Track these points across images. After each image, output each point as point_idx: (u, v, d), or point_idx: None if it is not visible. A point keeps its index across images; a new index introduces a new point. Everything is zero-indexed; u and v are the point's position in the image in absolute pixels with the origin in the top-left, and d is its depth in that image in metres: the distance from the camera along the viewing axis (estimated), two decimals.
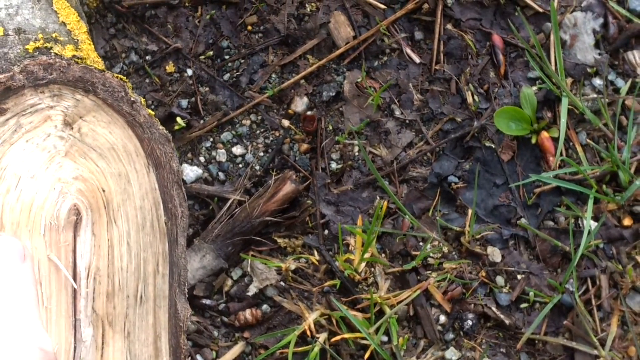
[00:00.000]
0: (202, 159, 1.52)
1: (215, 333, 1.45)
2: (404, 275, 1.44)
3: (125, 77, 1.14)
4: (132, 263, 1.09)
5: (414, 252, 1.45)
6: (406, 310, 1.43)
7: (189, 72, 1.55)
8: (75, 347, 1.03)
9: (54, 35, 1.11)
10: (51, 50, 1.09)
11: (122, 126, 1.10)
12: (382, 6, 1.54)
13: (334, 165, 1.51)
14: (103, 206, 1.06)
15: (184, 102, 1.54)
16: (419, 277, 1.44)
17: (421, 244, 1.47)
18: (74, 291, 1.03)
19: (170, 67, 1.56)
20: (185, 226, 1.18)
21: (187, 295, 1.18)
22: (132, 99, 1.11)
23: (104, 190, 1.06)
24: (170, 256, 1.16)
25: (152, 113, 1.14)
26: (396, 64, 1.54)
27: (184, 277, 1.18)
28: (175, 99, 1.54)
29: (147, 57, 1.56)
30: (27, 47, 1.08)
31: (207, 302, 1.46)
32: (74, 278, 1.03)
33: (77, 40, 1.14)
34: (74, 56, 1.10)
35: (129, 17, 1.57)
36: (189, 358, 1.32)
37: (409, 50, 1.54)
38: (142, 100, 1.13)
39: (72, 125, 1.07)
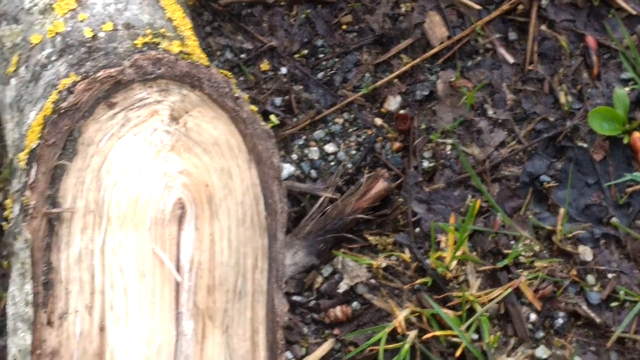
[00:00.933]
0: (294, 156, 1.51)
1: (305, 330, 1.44)
2: (495, 274, 1.41)
3: (229, 73, 1.13)
4: (232, 258, 1.08)
5: (505, 251, 1.42)
6: (497, 308, 1.40)
7: (283, 70, 1.54)
8: (177, 340, 1.02)
9: (161, 30, 1.10)
10: (159, 46, 1.08)
11: (225, 122, 1.09)
12: (477, 7, 1.52)
13: (425, 164, 1.48)
14: (206, 201, 1.04)
15: (278, 100, 1.53)
16: (510, 276, 1.41)
17: (512, 242, 1.44)
18: (177, 285, 1.02)
19: (264, 65, 1.55)
20: (284, 222, 1.16)
21: (284, 291, 1.16)
22: (236, 95, 1.10)
23: (207, 185, 1.05)
24: (269, 251, 1.15)
25: (255, 109, 1.13)
26: (490, 64, 1.51)
27: (282, 273, 1.16)
28: (269, 96, 1.53)
29: (242, 55, 1.55)
30: (135, 42, 1.07)
31: (298, 298, 1.44)
32: (178, 271, 1.02)
33: (183, 36, 1.13)
34: (181, 52, 1.09)
35: (225, 15, 1.56)
36: (284, 353, 1.30)
37: (502, 51, 1.51)
38: (246, 96, 1.12)
39: (178, 120, 1.06)
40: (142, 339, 0.99)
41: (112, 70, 1.02)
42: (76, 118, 1.01)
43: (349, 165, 1.50)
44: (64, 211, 0.99)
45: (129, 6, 1.12)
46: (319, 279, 1.45)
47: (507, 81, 1.50)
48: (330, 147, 1.51)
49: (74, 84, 1.02)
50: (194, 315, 1.03)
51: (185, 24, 1.16)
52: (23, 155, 1.02)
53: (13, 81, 1.13)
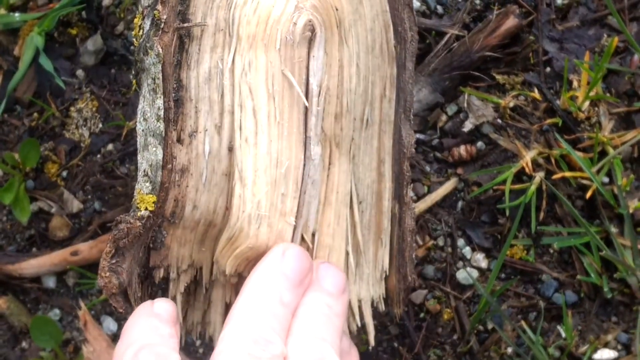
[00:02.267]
0: None
1: (428, 168, 1.41)
2: (629, 116, 1.35)
3: None
4: (360, 85, 1.05)
5: None
6: (630, 151, 1.34)
7: None
8: (304, 164, 1.00)
9: None
10: None
11: None
12: None
13: (559, 1, 1.41)
14: (335, 25, 1.01)
15: None
16: None
17: None
18: (305, 109, 1.00)
19: None
20: (414, 51, 1.12)
21: (412, 122, 1.13)
22: None
23: (337, 9, 1.01)
24: (398, 81, 1.11)
25: None
26: None
27: (410, 103, 1.12)
28: None
29: None
30: None
31: (421, 136, 1.41)
32: (306, 96, 0.99)
33: None
34: None
35: None
36: (411, 185, 1.27)
37: None
38: None
39: None
40: (271, 160, 0.97)
41: None
42: None
43: (477, 1, 1.43)
44: (195, 26, 0.96)
45: None
46: (443, 117, 1.41)
47: None
48: None
49: None
50: (321, 140, 1.01)
51: None
52: None
53: None
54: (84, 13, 1.53)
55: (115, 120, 1.48)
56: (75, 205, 1.48)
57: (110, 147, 1.49)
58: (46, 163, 1.50)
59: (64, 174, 1.50)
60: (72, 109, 1.51)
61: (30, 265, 1.46)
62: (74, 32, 1.53)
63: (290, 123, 0.99)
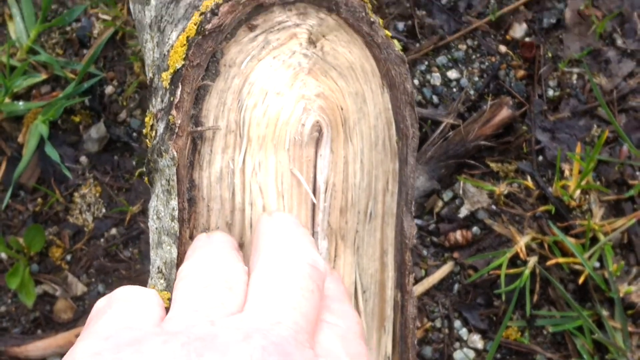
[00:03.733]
0: (416, 81, 1.49)
1: (425, 252, 1.43)
2: (619, 204, 1.38)
3: None
4: (364, 180, 1.08)
5: (630, 181, 1.39)
6: (620, 238, 1.37)
7: None
8: None
9: None
10: None
11: (360, 46, 1.08)
12: None
13: (551, 93, 1.45)
14: (341, 124, 1.04)
15: (401, 25, 1.51)
16: (634, 206, 1.38)
17: (638, 173, 1.40)
18: (313, 205, 1.02)
19: None
20: (415, 146, 1.15)
21: (413, 214, 1.15)
22: (371, 19, 1.08)
23: (342, 108, 1.04)
24: (400, 175, 1.14)
25: (389, 34, 1.11)
26: None
27: (411, 196, 1.15)
28: (392, 21, 1.51)
29: None
30: None
31: (418, 222, 1.44)
32: (313, 192, 1.02)
33: None
34: None
35: None
36: (413, 274, 1.30)
37: None
38: (381, 21, 1.10)
39: (315, 43, 1.04)
40: None
41: None
42: (219, 40, 1.01)
43: (472, 92, 1.47)
44: (209, 129, 0.99)
45: None
46: (440, 203, 1.44)
47: (638, 10, 1.45)
48: (452, 74, 1.48)
49: (217, 5, 1.01)
50: (327, 235, 1.03)
51: None
52: (166, 75, 1.02)
53: (153, 2, 1.14)
54: (87, 101, 1.56)
55: (119, 206, 1.51)
56: (79, 288, 1.49)
57: (113, 231, 1.51)
58: (50, 247, 1.52)
59: (68, 257, 1.51)
60: (75, 194, 1.53)
61: (36, 348, 1.47)
62: (77, 119, 1.55)
63: (298, 219, 1.01)
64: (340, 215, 1.05)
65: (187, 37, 1.02)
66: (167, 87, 1.02)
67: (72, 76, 1.54)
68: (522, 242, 1.37)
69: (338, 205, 1.05)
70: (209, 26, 1.01)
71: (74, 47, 1.57)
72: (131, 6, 1.26)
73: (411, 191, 1.15)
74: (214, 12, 1.01)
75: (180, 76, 0.99)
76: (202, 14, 1.03)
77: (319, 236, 1.03)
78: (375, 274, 1.14)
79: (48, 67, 1.57)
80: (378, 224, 1.13)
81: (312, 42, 1.04)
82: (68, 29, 1.59)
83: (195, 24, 1.03)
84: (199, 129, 0.99)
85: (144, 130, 1.06)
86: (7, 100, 1.54)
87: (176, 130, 0.97)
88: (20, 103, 1.54)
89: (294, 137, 1.01)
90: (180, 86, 0.99)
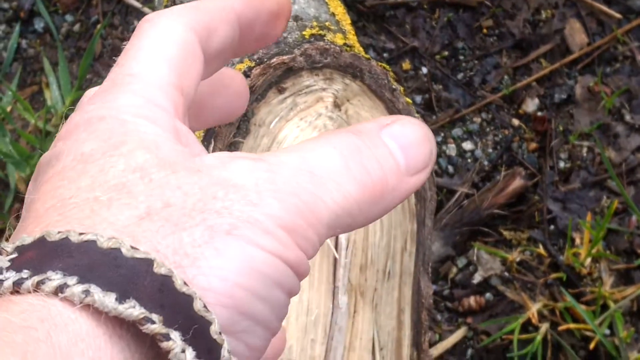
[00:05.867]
0: None
1: (439, 317, 1.45)
2: (628, 272, 1.41)
3: (387, 67, 1.15)
4: (383, 239, 1.10)
5: (639, 251, 1.41)
6: (630, 305, 1.39)
7: (424, 70, 1.56)
8: (332, 312, 1.05)
9: (326, 24, 1.13)
10: (324, 37, 1.11)
11: (382, 111, 1.12)
12: (618, 15, 1.51)
13: (562, 164, 1.48)
14: None
15: (418, 98, 1.55)
16: None
17: None
18: (335, 260, 1.05)
19: (406, 65, 1.57)
20: (432, 209, 1.18)
21: (430, 274, 1.18)
22: (393, 86, 1.12)
23: None
24: (418, 236, 1.17)
25: (410, 102, 1.15)
26: (628, 71, 1.50)
27: (428, 257, 1.18)
28: (410, 94, 1.55)
29: (385, 54, 1.58)
30: (303, 33, 1.11)
31: (433, 286, 1.46)
32: (335, 248, 1.05)
33: (345, 30, 1.16)
34: (344, 44, 1.12)
35: (370, 16, 1.59)
36: (428, 334, 1.32)
37: None
38: (402, 89, 1.14)
39: (340, 107, 1.08)
40: (302, 308, 1.02)
41: (285, 57, 1.05)
42: (250, 100, 1.05)
43: (486, 163, 1.51)
44: None
45: (297, 0, 1.15)
46: (454, 269, 1.46)
47: None
48: (467, 145, 1.52)
49: (250, 68, 1.06)
50: (348, 290, 1.06)
51: (345, 19, 1.19)
52: (199, 133, 1.06)
53: None
54: None
55: None
56: None
57: None
58: None
59: None
60: None
61: None
62: None
63: (320, 274, 1.04)
64: (360, 272, 1.08)
65: None
66: (201, 142, 1.05)
67: None
68: (534, 308, 1.39)
69: (358, 262, 1.07)
70: None
71: None
72: None
73: (428, 252, 1.18)
74: (246, 74, 1.06)
75: (214, 133, 1.03)
76: None
77: (340, 291, 1.05)
78: (392, 332, 1.15)
79: None
80: (396, 283, 1.16)
81: (337, 105, 1.08)
82: None
83: None
84: None
85: None
86: None
87: None
88: None
89: None
90: (213, 142, 1.02)
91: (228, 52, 0.52)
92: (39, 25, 1.67)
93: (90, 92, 0.47)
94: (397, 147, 0.46)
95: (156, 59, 0.46)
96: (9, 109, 1.62)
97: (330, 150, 0.44)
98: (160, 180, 0.41)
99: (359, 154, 0.44)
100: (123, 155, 0.41)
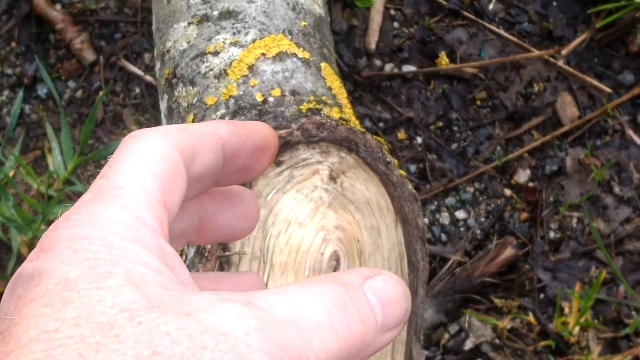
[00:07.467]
0: (426, 220, 1.54)
1: None
2: (615, 341, 1.42)
3: (382, 140, 1.18)
4: None
5: (626, 320, 1.43)
6: None
7: (419, 140, 1.59)
8: None
9: (323, 98, 1.16)
10: (321, 111, 1.14)
11: (376, 184, 1.14)
12: (608, 90, 1.54)
13: (552, 235, 1.50)
14: (357, 254, 1.09)
15: (413, 167, 1.57)
16: (630, 344, 1.42)
17: (634, 313, 1.44)
18: None
19: (401, 135, 1.59)
20: (425, 279, 1.20)
21: (422, 342, 1.19)
22: (387, 159, 1.14)
23: (358, 240, 1.09)
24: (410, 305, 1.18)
25: (404, 174, 1.17)
26: (618, 144, 1.53)
27: (420, 326, 1.19)
28: (404, 164, 1.58)
29: (380, 124, 1.61)
30: (300, 107, 1.13)
31: (425, 353, 1.47)
32: None
33: (341, 104, 1.19)
34: (340, 118, 1.14)
35: (366, 86, 1.62)
36: None
37: (631, 133, 1.53)
38: (396, 161, 1.17)
39: (335, 179, 1.10)
40: None
41: (282, 132, 1.08)
42: None
43: (478, 232, 1.53)
44: (236, 254, 1.04)
45: (295, 75, 1.18)
46: (446, 336, 1.47)
47: (635, 161, 1.51)
48: (460, 214, 1.54)
49: None
50: None
51: (342, 93, 1.22)
52: None
53: None
54: None
55: None
56: None
57: None
58: None
59: None
60: None
61: None
62: None
63: None
64: None
65: None
66: None
67: None
68: None
69: None
70: None
71: None
72: None
73: (420, 321, 1.19)
74: None
75: None
76: None
77: None
78: None
79: None
80: (388, 351, 1.17)
81: (332, 178, 1.11)
82: (103, 162, 1.66)
83: None
84: (227, 253, 1.04)
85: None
86: (42, 227, 1.60)
87: (206, 254, 1.02)
88: None
89: (314, 264, 1.06)
90: None
91: (210, 178, 0.52)
92: (42, 91, 1.70)
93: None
94: (377, 303, 0.48)
95: (142, 174, 0.47)
96: (11, 173, 1.64)
97: (317, 301, 0.45)
98: (149, 324, 0.40)
99: (344, 310, 0.46)
100: (111, 291, 0.41)
